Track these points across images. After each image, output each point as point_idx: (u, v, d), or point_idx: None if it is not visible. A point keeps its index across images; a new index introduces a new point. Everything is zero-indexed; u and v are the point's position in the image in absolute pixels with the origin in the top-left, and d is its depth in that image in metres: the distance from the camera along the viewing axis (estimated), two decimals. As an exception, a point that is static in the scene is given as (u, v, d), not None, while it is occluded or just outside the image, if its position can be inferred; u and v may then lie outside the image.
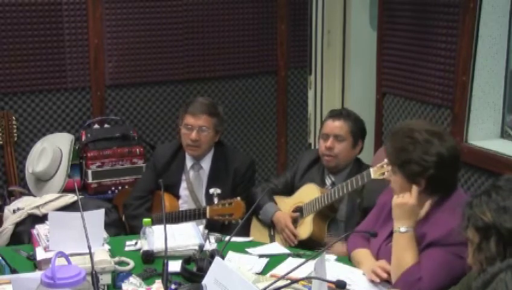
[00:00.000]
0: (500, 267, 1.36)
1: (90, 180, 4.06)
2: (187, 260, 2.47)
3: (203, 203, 3.40)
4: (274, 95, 4.73)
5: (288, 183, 3.42)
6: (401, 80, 3.93)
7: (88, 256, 2.19)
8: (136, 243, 2.73)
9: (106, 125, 4.25)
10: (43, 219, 2.99)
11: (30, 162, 3.96)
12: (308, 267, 2.15)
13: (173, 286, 2.24)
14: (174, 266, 2.42)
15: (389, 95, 4.08)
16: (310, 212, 3.16)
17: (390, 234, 2.40)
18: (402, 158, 2.34)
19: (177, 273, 2.42)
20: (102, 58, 4.20)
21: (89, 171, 4.06)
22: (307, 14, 4.65)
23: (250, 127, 4.71)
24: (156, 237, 2.60)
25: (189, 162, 3.46)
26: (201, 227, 2.85)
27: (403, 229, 2.31)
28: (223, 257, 2.35)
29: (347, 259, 2.59)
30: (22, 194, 3.80)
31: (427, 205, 2.35)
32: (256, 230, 3.40)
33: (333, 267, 2.47)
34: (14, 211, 3.32)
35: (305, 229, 3.16)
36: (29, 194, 3.86)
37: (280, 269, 2.47)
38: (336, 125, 3.22)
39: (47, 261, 2.37)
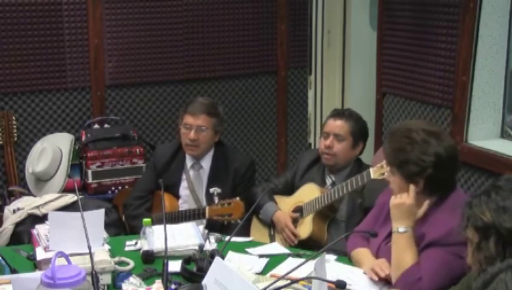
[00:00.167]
0: (500, 267, 1.36)
1: (90, 180, 4.06)
2: (187, 260, 2.47)
3: (204, 202, 3.40)
4: (274, 95, 4.73)
5: (289, 183, 3.43)
6: (401, 80, 3.93)
7: (88, 256, 2.19)
8: (136, 243, 2.73)
9: (106, 125, 4.25)
10: (43, 219, 2.99)
11: (30, 162, 3.96)
12: (308, 267, 2.15)
13: (173, 286, 2.24)
14: (174, 266, 2.42)
15: (389, 95, 4.08)
16: (310, 212, 3.17)
17: (390, 234, 2.40)
18: (400, 158, 2.34)
19: (177, 273, 2.42)
20: (102, 58, 4.20)
21: (89, 171, 4.06)
22: (307, 14, 4.65)
23: (250, 127, 4.71)
24: (156, 237, 2.60)
25: (189, 162, 3.46)
26: (201, 227, 2.85)
27: (401, 229, 2.31)
28: (223, 257, 2.35)
29: (347, 259, 2.59)
30: (22, 194, 3.80)
31: (426, 205, 2.35)
32: (257, 230, 3.40)
33: (333, 267, 2.47)
34: (14, 211, 3.32)
35: (305, 228, 3.17)
36: (29, 194, 3.86)
37: (280, 269, 2.47)
38: (337, 125, 3.23)
39: (47, 261, 2.37)
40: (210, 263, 2.15)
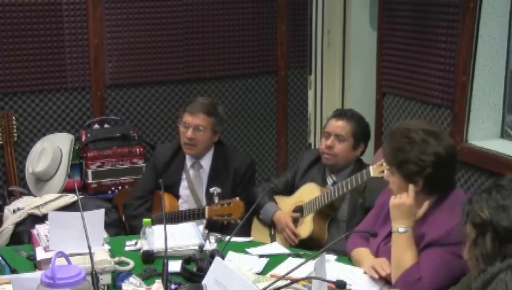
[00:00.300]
0: (500, 267, 1.36)
1: (90, 180, 4.06)
2: (187, 260, 2.47)
3: (204, 202, 3.40)
4: (274, 95, 4.73)
5: (289, 183, 3.43)
6: (401, 80, 3.93)
7: (88, 256, 2.19)
8: (136, 243, 2.73)
9: (106, 125, 4.25)
10: (43, 219, 2.99)
11: (30, 162, 3.96)
12: (308, 267, 2.15)
13: (173, 286, 2.24)
14: (174, 266, 2.42)
15: (389, 95, 4.08)
16: (310, 212, 3.17)
17: (389, 234, 2.40)
18: (399, 158, 2.34)
19: (177, 273, 2.42)
20: (102, 58, 4.20)
21: (89, 171, 4.06)
22: (307, 14, 4.65)
23: (250, 127, 4.71)
24: (156, 237, 2.60)
25: (189, 161, 3.47)
26: (201, 227, 2.84)
27: (401, 229, 2.31)
28: (223, 257, 2.35)
29: (347, 259, 2.59)
30: (22, 194, 3.80)
31: (426, 205, 2.35)
32: (257, 230, 3.40)
33: (333, 267, 2.47)
34: (14, 211, 3.32)
35: (306, 228, 3.17)
36: (29, 194, 3.86)
37: (280, 269, 2.47)
38: (338, 125, 3.23)
39: (47, 261, 2.37)
40: (210, 263, 2.14)
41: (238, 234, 2.69)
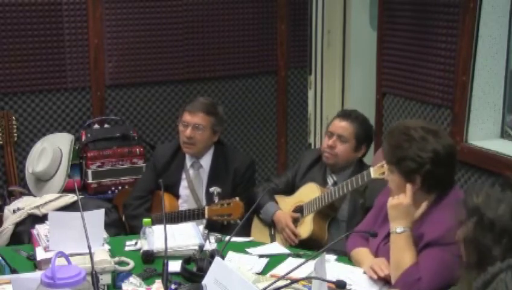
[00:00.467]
0: (500, 267, 1.37)
1: (90, 180, 4.06)
2: (187, 260, 2.47)
3: (204, 202, 3.40)
4: (274, 95, 4.73)
5: (289, 182, 3.43)
6: (401, 80, 3.93)
7: (88, 256, 2.19)
8: (136, 243, 2.73)
9: (106, 125, 4.25)
10: (43, 219, 2.99)
11: (30, 162, 3.96)
12: (308, 267, 2.15)
13: (173, 286, 2.24)
14: (174, 266, 2.42)
15: (389, 95, 4.08)
16: (311, 212, 3.17)
17: (388, 234, 2.40)
18: (398, 155, 2.34)
19: (177, 273, 2.42)
20: (102, 58, 4.20)
21: (89, 171, 4.06)
22: (307, 14, 4.65)
23: (250, 127, 4.71)
24: (156, 237, 2.60)
25: (189, 161, 3.47)
26: (201, 227, 2.85)
27: (399, 229, 2.31)
28: (223, 257, 2.35)
29: (347, 259, 2.59)
30: (22, 194, 3.80)
31: (424, 205, 2.35)
32: (257, 230, 3.40)
33: (333, 267, 2.47)
34: (14, 211, 3.32)
35: (306, 228, 3.17)
36: (29, 194, 3.86)
37: (280, 269, 2.47)
38: (342, 126, 3.22)
39: (47, 261, 2.37)
40: (210, 263, 2.14)
41: (238, 234, 2.69)
